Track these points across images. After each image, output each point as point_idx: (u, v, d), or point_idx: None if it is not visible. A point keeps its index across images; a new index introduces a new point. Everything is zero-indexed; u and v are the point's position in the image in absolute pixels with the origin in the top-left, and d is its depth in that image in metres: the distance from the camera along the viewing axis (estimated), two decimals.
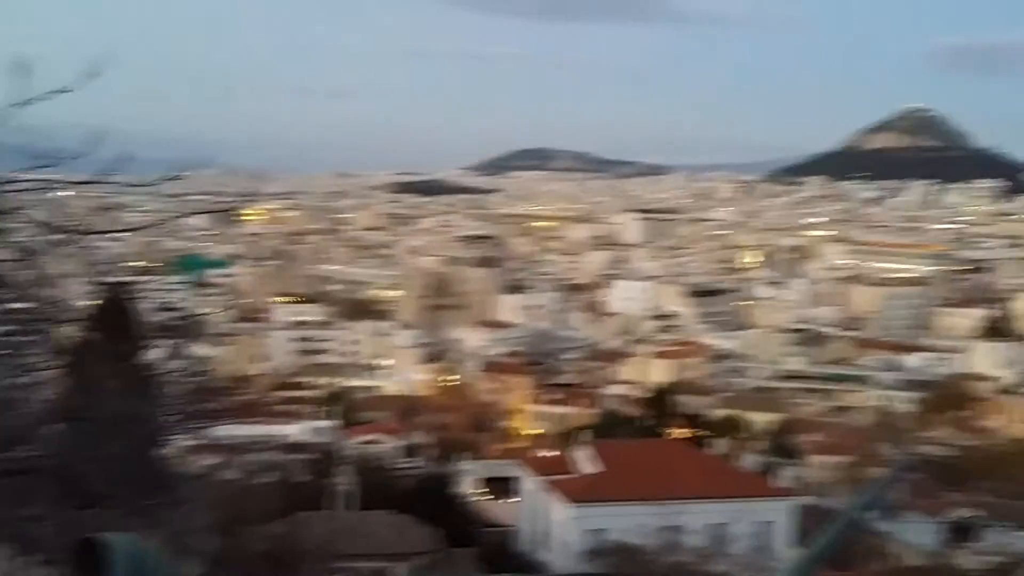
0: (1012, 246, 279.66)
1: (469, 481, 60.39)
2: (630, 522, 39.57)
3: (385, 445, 71.78)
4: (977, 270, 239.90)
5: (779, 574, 33.66)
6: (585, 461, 45.93)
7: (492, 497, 58.69)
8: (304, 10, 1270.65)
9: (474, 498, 57.37)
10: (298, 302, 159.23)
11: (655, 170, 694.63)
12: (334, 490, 44.33)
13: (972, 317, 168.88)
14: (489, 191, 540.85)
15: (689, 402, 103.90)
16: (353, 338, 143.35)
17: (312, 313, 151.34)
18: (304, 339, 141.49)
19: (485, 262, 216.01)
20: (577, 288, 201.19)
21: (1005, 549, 43.62)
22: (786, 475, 67.75)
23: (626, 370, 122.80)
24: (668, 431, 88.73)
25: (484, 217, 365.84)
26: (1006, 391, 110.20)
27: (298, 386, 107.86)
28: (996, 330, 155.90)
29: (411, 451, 71.94)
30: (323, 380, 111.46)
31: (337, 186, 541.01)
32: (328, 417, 75.13)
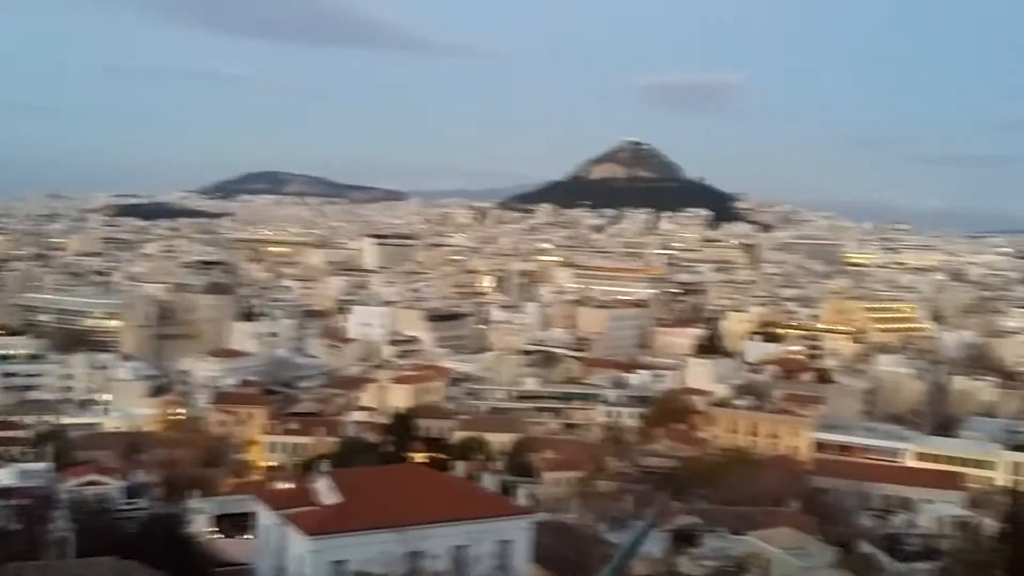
0: (719, 270, 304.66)
1: (201, 519, 57.24)
2: (372, 551, 38.86)
3: (106, 486, 66.67)
4: (690, 292, 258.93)
5: None
6: (324, 491, 44.71)
7: (226, 535, 55.94)
8: None
9: (206, 537, 54.40)
10: (3, 334, 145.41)
11: (392, 196, 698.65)
12: (48, 538, 40.64)
13: (687, 336, 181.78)
14: (218, 215, 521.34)
15: (430, 426, 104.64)
16: (67, 372, 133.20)
17: (20, 346, 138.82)
18: (10, 374, 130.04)
19: (215, 288, 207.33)
20: (314, 314, 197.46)
21: (723, 553, 46.75)
22: (523, 493, 69.40)
23: (366, 396, 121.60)
24: (410, 456, 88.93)
25: (213, 242, 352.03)
26: (718, 404, 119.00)
27: (5, 426, 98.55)
28: (708, 347, 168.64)
29: (135, 491, 67.28)
30: (33, 418, 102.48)
31: (48, 208, 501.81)
32: (39, 459, 68.98)
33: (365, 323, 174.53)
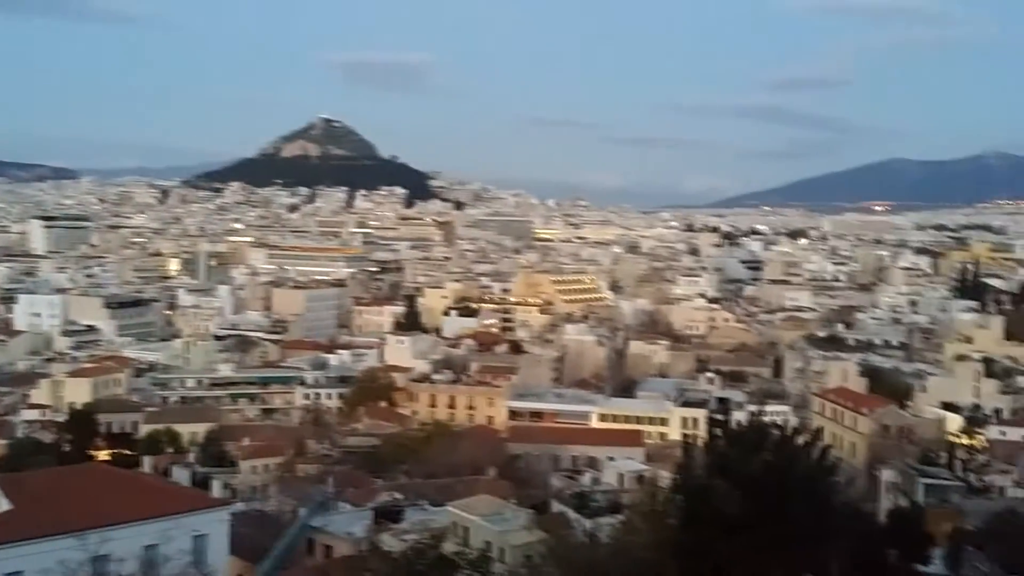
0: (416, 247, 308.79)
1: None
2: (48, 560, 35.56)
3: None
4: (388, 270, 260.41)
5: None
6: None
7: None
8: None
9: None
10: None
11: (62, 174, 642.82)
12: None
13: (386, 313, 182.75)
14: None
15: (113, 421, 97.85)
16: None
17: None
18: None
19: None
20: None
21: (425, 526, 47.36)
22: (219, 484, 66.64)
23: (38, 393, 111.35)
24: (91, 454, 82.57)
25: None
26: (418, 380, 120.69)
27: None
28: (407, 324, 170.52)
29: None
30: None
31: None
32: None
33: (35, 313, 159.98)
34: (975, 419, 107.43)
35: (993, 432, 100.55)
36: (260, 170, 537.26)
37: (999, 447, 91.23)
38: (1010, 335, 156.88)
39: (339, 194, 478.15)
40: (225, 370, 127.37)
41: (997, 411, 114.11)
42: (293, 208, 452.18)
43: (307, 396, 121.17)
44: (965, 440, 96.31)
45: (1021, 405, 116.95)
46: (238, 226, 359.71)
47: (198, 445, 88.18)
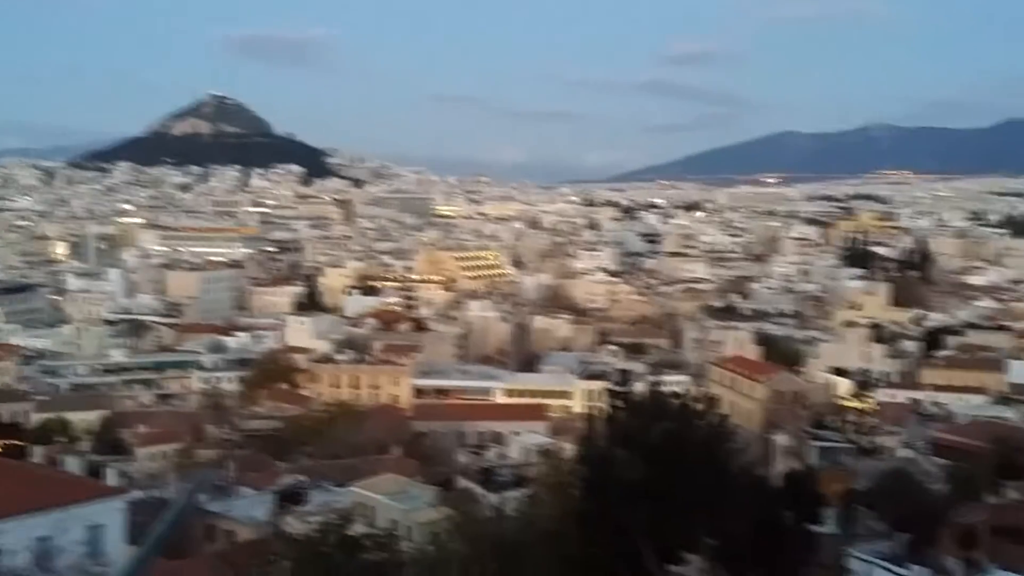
0: (315, 226, 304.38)
1: None
2: None
3: None
4: (286, 250, 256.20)
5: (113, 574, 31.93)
6: None
7: None
8: None
9: None
10: None
11: None
12: None
13: (286, 294, 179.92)
14: None
15: (2, 410, 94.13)
16: None
17: None
18: None
19: None
20: None
21: (330, 507, 46.92)
22: (114, 472, 64.75)
23: None
24: None
25: None
26: (320, 360, 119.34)
27: None
28: (308, 305, 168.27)
29: None
30: None
31: None
32: None
33: None
34: (864, 383, 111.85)
35: (881, 395, 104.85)
36: (149, 149, 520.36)
37: (887, 409, 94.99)
38: (896, 301, 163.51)
39: (233, 173, 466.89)
40: (118, 356, 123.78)
41: (884, 374, 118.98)
42: (185, 188, 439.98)
43: (205, 380, 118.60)
44: (855, 404, 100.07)
45: (907, 369, 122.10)
46: (128, 207, 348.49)
47: (91, 433, 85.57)
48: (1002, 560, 34.24)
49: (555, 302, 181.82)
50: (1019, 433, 73.40)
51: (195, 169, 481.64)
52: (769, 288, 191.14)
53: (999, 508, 49.69)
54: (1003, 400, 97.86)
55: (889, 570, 29.60)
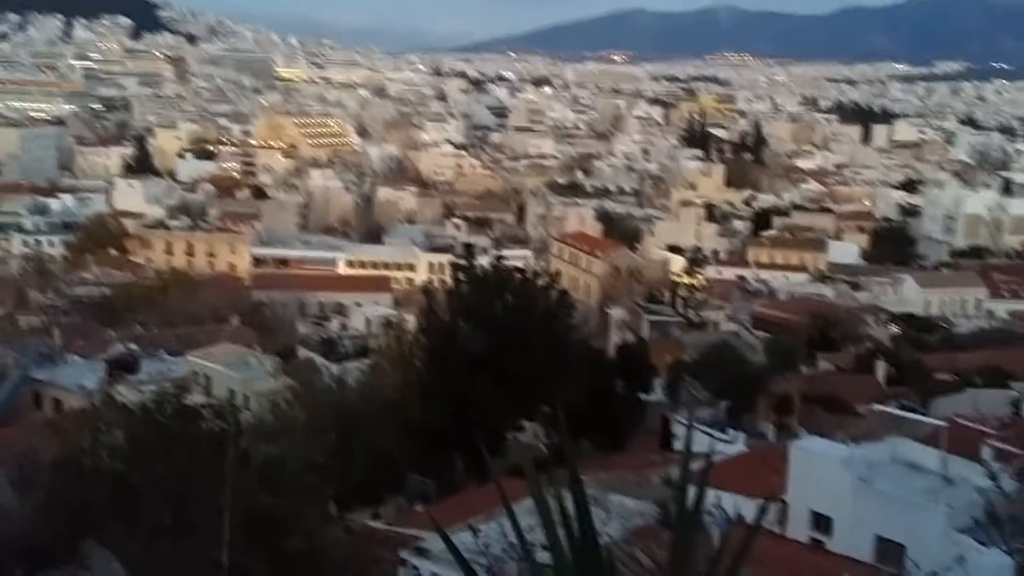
0: (145, 84, 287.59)
1: None
2: None
3: None
4: (114, 108, 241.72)
5: None
6: None
7: None
8: None
9: None
10: None
11: None
12: None
13: (114, 155, 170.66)
14: None
15: None
16: None
17: None
18: None
19: None
20: None
21: (162, 376, 45.93)
22: None
23: None
24: None
25: None
26: (152, 226, 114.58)
27: None
28: (137, 167, 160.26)
29: None
30: None
31: None
32: None
33: None
34: (696, 260, 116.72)
35: (711, 272, 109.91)
36: None
37: (716, 285, 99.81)
38: (729, 182, 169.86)
39: (55, 22, 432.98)
40: None
41: (715, 252, 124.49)
42: (1, 37, 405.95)
43: (26, 244, 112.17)
44: (686, 279, 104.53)
45: (736, 247, 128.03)
46: None
47: None
48: (812, 426, 37.03)
49: (401, 174, 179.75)
50: (834, 309, 78.84)
51: (12, 17, 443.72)
52: (612, 166, 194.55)
53: (813, 378, 53.59)
54: (822, 278, 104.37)
55: (709, 434, 31.71)
